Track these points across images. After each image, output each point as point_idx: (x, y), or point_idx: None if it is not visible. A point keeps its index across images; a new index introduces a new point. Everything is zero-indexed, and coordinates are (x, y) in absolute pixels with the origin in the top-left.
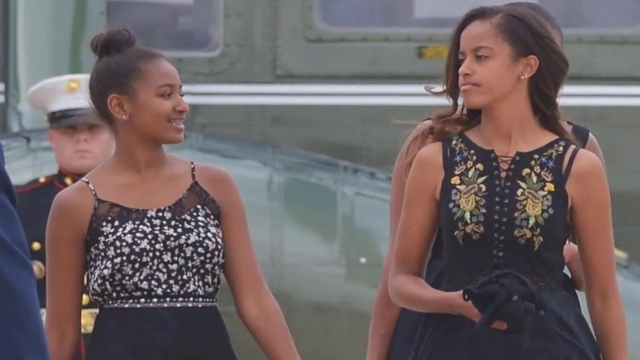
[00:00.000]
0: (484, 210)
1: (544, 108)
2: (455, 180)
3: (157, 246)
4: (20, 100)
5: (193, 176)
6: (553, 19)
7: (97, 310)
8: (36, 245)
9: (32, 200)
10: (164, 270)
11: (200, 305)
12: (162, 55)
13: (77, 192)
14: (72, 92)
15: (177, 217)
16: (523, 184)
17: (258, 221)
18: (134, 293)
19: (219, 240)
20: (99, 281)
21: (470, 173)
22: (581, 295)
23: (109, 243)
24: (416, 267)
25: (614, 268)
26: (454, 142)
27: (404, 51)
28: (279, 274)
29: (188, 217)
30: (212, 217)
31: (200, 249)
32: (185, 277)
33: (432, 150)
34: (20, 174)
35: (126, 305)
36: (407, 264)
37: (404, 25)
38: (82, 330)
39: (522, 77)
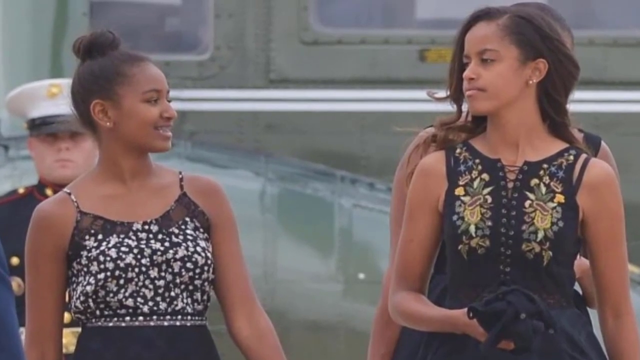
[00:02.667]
0: (489, 223)
1: (553, 114)
2: (459, 191)
3: (143, 261)
4: None
5: (181, 187)
6: (563, 20)
7: (79, 329)
8: (15, 260)
9: (10, 213)
10: (151, 286)
11: (189, 324)
12: (149, 58)
13: (58, 204)
14: (53, 97)
15: (164, 230)
16: (531, 195)
17: (250, 235)
18: (118, 311)
19: (208, 254)
20: (82, 298)
21: (476, 183)
22: (593, 313)
23: (92, 258)
24: (418, 283)
25: (628, 284)
26: (458, 150)
27: (405, 54)
28: (273, 291)
29: (176, 230)
30: (201, 230)
31: (188, 264)
32: (173, 294)
33: (435, 160)
34: None
35: (110, 324)
36: (408, 280)
37: (405, 27)
38: (64, 350)
39: (531, 82)
